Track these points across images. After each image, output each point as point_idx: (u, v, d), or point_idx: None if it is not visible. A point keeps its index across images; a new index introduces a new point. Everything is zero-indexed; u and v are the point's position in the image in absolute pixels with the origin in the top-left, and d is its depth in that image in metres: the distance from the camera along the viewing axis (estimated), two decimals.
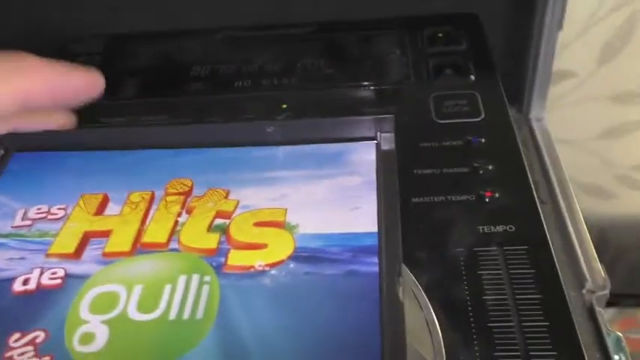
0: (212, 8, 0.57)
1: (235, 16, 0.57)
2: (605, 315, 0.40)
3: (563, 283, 0.33)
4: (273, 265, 0.33)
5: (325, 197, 0.37)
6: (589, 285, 0.41)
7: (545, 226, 0.36)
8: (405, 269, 0.33)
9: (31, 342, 0.31)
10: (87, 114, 0.48)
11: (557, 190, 0.49)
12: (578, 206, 0.48)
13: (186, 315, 0.31)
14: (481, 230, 0.36)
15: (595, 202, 0.82)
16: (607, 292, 0.41)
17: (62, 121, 0.43)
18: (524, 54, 0.57)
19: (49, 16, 0.58)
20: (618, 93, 0.71)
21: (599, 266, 0.43)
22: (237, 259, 0.34)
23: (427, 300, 0.32)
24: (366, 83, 0.49)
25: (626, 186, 0.80)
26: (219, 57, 0.54)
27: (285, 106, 0.47)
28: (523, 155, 0.41)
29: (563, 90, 0.70)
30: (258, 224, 0.36)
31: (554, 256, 0.34)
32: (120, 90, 0.51)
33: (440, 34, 0.53)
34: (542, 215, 0.37)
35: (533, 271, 0.33)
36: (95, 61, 0.54)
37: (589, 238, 0.45)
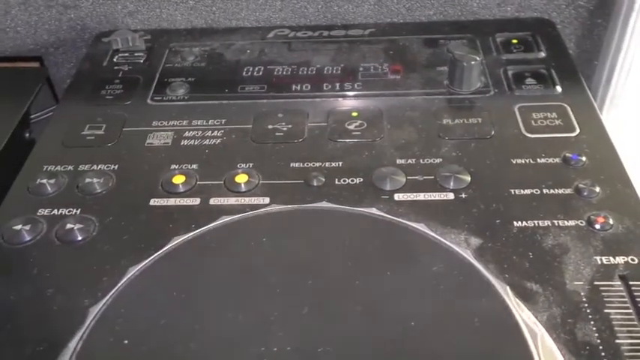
0: (262, 6, 0.53)
1: (288, 15, 0.53)
2: None
3: None
4: None
5: None
6: None
7: None
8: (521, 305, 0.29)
9: None
10: (136, 116, 0.44)
11: None
12: None
13: None
14: (599, 261, 0.32)
15: None
16: None
17: None
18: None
19: (80, 5, 0.53)
20: None
21: None
22: None
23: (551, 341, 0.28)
24: (439, 91, 0.45)
25: None
26: (273, 58, 0.49)
27: (355, 113, 0.42)
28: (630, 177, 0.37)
29: None
30: None
31: None
32: (168, 90, 0.46)
33: (514, 40, 0.49)
34: None
35: None
36: (137, 57, 0.50)
37: None
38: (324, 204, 0.33)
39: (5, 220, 0.36)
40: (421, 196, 0.36)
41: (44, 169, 0.39)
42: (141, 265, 0.29)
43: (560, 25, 0.52)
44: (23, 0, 0.52)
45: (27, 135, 0.49)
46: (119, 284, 0.28)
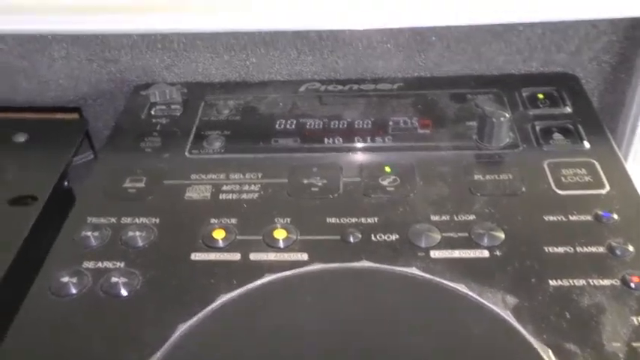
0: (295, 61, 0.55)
1: (319, 69, 0.55)
2: None
3: None
4: None
5: None
6: None
7: None
8: None
9: None
10: (175, 169, 0.45)
11: None
12: None
13: None
14: (636, 322, 0.32)
15: None
16: None
17: None
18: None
19: (119, 59, 0.55)
20: None
21: None
22: None
23: None
24: (468, 146, 0.46)
25: None
26: (305, 111, 0.51)
27: (388, 169, 0.44)
28: None
29: None
30: None
31: None
32: (205, 143, 0.48)
33: (540, 95, 0.50)
34: None
35: None
36: (174, 110, 0.51)
37: None
38: (365, 263, 0.34)
39: (53, 271, 0.37)
40: (456, 253, 0.37)
41: (88, 220, 0.41)
42: (190, 323, 0.30)
43: (584, 79, 0.53)
44: (66, 54, 0.54)
45: (65, 184, 0.51)
46: (169, 341, 0.29)
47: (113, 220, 0.41)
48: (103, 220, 0.41)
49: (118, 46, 0.54)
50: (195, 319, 0.30)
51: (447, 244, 0.37)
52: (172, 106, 0.52)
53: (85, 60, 0.55)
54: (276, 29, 0.52)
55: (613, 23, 0.51)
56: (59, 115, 0.57)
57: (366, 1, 0.47)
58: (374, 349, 0.28)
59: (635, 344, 0.31)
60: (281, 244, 0.38)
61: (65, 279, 0.36)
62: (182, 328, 0.30)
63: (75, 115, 0.57)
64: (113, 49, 0.54)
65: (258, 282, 0.32)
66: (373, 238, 0.38)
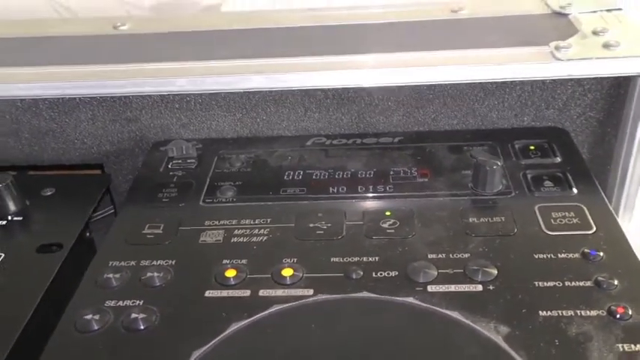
0: (302, 117, 0.59)
1: (324, 125, 0.59)
2: None
3: None
4: None
5: None
6: None
7: None
8: None
9: None
10: (190, 217, 0.48)
11: None
12: None
13: None
14: (621, 349, 0.34)
15: None
16: None
17: None
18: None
19: (140, 118, 0.60)
20: None
21: None
22: None
23: None
24: (464, 192, 0.49)
25: None
26: (312, 163, 0.55)
27: (389, 213, 0.47)
28: None
29: None
30: None
31: None
32: (218, 193, 0.51)
33: (532, 147, 0.54)
34: None
35: None
36: (190, 163, 0.55)
37: None
38: (365, 294, 0.36)
39: (77, 310, 0.40)
40: (452, 288, 0.39)
41: (110, 264, 0.44)
42: (203, 349, 0.32)
43: (573, 133, 0.57)
44: (92, 116, 0.59)
45: (87, 234, 0.54)
46: None
47: (133, 263, 0.44)
48: (123, 263, 0.44)
49: (139, 107, 0.59)
50: (208, 345, 0.32)
51: (443, 279, 0.40)
52: (188, 160, 0.56)
53: (108, 121, 0.59)
54: (285, 88, 0.56)
55: (597, 82, 0.55)
56: (83, 172, 0.61)
57: (368, 61, 0.51)
58: None
59: None
60: (288, 281, 0.41)
61: (88, 316, 0.39)
62: (196, 354, 0.32)
63: (98, 171, 0.61)
64: (135, 110, 0.59)
65: (266, 312, 0.34)
66: (374, 274, 0.41)
